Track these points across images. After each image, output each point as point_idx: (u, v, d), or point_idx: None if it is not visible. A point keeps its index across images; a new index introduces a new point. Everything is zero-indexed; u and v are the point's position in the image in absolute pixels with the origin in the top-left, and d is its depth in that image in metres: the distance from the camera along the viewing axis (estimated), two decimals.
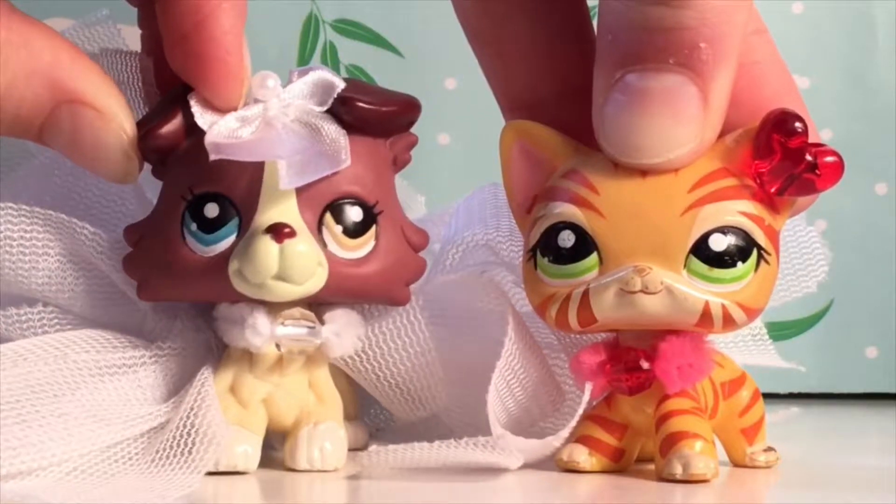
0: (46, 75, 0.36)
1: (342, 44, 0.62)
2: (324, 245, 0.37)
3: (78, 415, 0.35)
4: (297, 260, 0.36)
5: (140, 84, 0.40)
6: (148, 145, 0.37)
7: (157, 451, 0.35)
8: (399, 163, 0.39)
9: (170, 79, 0.38)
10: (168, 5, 0.36)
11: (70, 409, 0.35)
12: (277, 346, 0.37)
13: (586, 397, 0.38)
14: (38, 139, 0.36)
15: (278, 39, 0.61)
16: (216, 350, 0.39)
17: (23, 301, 0.38)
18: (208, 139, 0.36)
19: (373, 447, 0.37)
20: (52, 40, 0.36)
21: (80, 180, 0.40)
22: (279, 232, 0.36)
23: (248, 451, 0.37)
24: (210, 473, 0.36)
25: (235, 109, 0.37)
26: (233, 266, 0.36)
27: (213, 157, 0.36)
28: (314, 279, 0.36)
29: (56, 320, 0.38)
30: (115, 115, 0.36)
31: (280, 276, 0.36)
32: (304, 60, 0.61)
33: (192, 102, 0.37)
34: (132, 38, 0.42)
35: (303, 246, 0.36)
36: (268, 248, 0.36)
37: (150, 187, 0.40)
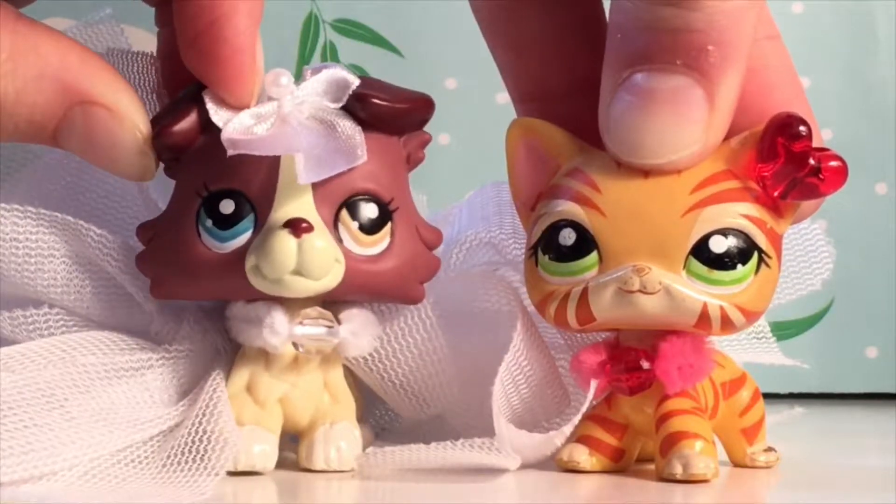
0: (56, 78, 0.35)
1: (342, 44, 0.62)
2: (340, 241, 0.37)
3: (87, 419, 0.35)
4: (315, 254, 0.36)
5: (150, 84, 0.40)
6: (162, 143, 0.36)
7: (169, 456, 0.35)
8: (412, 161, 0.39)
9: (179, 77, 0.38)
10: (184, 4, 0.36)
11: (79, 413, 0.35)
12: (295, 345, 0.37)
13: (590, 396, 0.38)
14: (53, 142, 0.36)
15: (278, 39, 0.61)
16: (224, 353, 0.39)
17: (28, 303, 0.38)
18: (225, 135, 0.36)
19: (370, 448, 0.37)
20: (59, 42, 0.36)
21: (84, 181, 0.40)
22: (297, 226, 0.35)
23: (266, 451, 0.37)
24: (228, 473, 0.36)
25: (249, 107, 0.37)
26: (250, 262, 0.36)
27: (230, 152, 0.35)
28: (331, 275, 0.36)
29: (62, 322, 0.38)
30: (128, 113, 0.36)
31: (298, 272, 0.36)
32: (304, 60, 0.61)
33: (207, 100, 0.36)
34: (134, 37, 0.42)
35: (321, 241, 0.36)
36: (286, 243, 0.35)
37: (155, 188, 0.40)
